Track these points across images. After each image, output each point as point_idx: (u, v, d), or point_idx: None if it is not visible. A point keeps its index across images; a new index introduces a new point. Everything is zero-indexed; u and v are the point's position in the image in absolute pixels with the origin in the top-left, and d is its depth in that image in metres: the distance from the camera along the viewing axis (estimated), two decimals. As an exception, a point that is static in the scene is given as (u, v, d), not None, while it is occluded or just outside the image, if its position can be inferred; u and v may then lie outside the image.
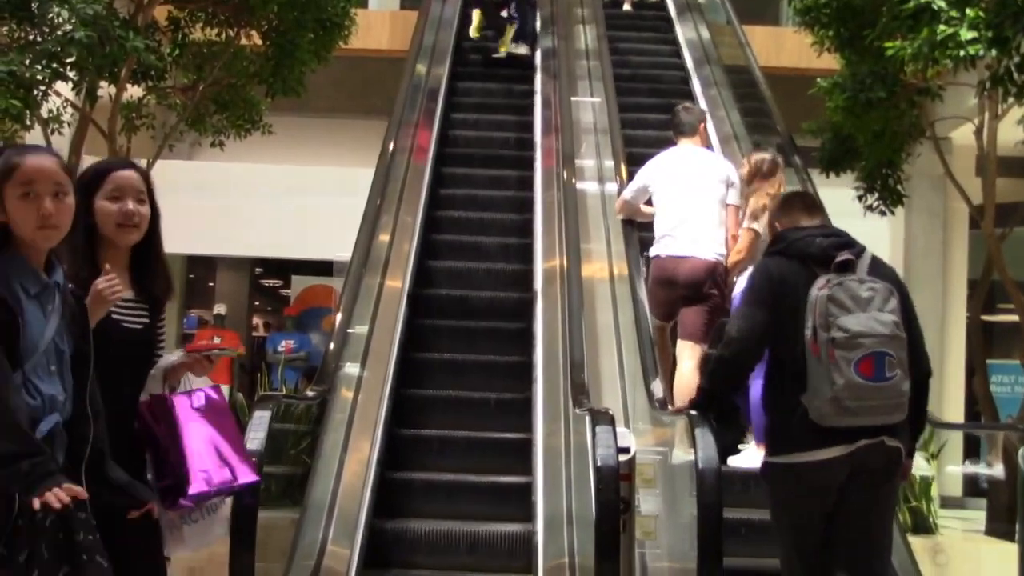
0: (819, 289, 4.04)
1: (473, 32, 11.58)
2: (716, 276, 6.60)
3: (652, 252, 6.86)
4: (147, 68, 8.41)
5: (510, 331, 7.68)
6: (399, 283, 7.66)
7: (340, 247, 8.04)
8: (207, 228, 13.43)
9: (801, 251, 4.20)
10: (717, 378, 4.42)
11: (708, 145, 7.51)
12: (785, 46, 13.26)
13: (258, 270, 19.74)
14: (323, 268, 14.51)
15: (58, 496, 2.68)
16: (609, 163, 8.54)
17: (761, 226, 6.34)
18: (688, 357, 6.48)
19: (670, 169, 6.95)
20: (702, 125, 7.21)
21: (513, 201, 9.11)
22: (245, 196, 13.44)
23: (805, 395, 4.02)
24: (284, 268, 18.34)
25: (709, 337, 6.48)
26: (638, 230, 7.33)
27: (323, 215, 12.75)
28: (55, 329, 2.94)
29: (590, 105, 9.64)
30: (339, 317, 6.59)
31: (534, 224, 8.47)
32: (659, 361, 6.21)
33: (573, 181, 7.91)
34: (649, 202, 7.09)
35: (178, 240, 13.64)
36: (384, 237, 7.79)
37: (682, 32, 11.80)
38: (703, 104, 9.87)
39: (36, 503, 2.66)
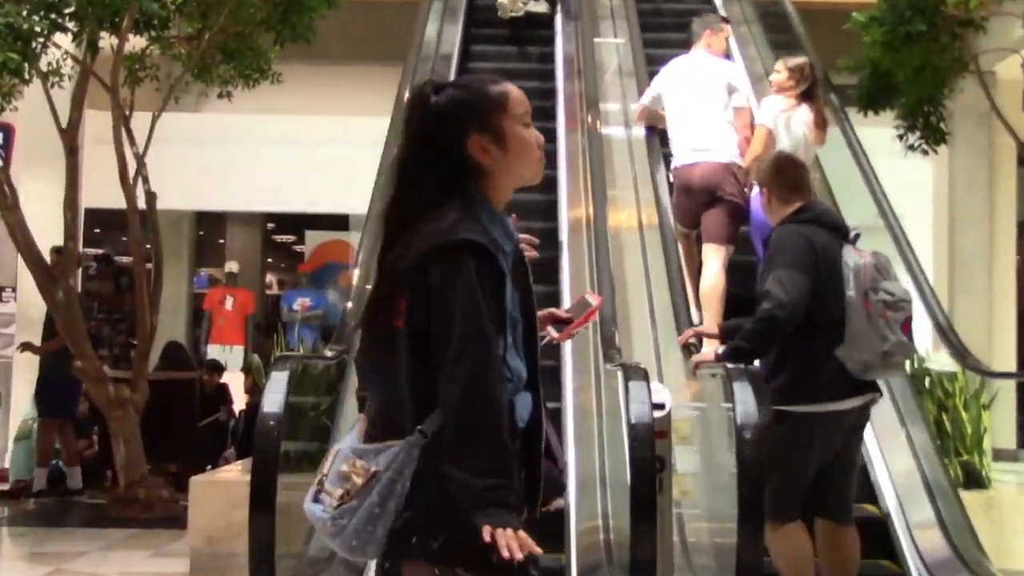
0: (860, 256, 4.85)
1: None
2: (730, 178, 6.89)
3: (672, 164, 7.26)
4: (150, 17, 8.36)
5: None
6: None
7: (356, 200, 8.02)
8: (216, 182, 13.45)
9: (832, 222, 5.04)
10: (763, 338, 4.82)
11: (725, 53, 7.77)
12: (819, -23, 13.09)
13: (270, 225, 19.77)
14: (338, 222, 14.55)
15: (512, 545, 2.33)
16: (635, 107, 8.47)
17: (774, 122, 6.84)
18: (713, 259, 6.77)
19: (676, 77, 7.36)
20: (707, 31, 7.49)
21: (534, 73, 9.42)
22: (255, 149, 13.43)
23: (841, 349, 4.75)
24: (297, 223, 18.34)
25: (734, 238, 6.89)
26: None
27: (337, 167, 12.74)
28: (510, 293, 2.61)
29: (614, 46, 9.57)
30: (356, 273, 6.58)
31: (558, 174, 8.44)
32: (686, 268, 6.84)
33: (598, 126, 7.85)
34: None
35: (186, 195, 13.78)
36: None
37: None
38: (733, 44, 9.78)
39: (487, 531, 2.36)
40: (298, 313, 14.85)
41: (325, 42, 9.74)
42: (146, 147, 8.93)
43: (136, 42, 9.11)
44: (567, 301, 7.08)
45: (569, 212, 7.87)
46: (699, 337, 5.78)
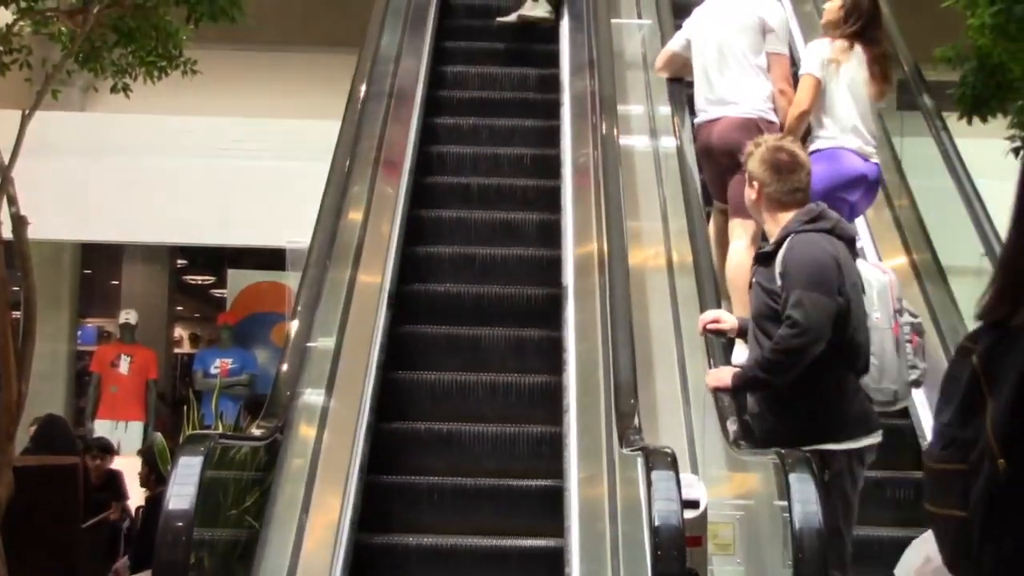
0: (883, 273, 5.55)
1: None
2: (756, 135, 6.76)
3: (694, 122, 7.74)
4: (21, -17, 8.45)
5: (532, 340, 7.75)
6: (377, 278, 7.70)
7: (294, 229, 8.05)
8: (109, 205, 13.49)
9: (849, 234, 5.52)
10: (783, 370, 5.27)
11: None
12: (909, -59, 13.24)
13: (181, 262, 19.84)
14: (271, 258, 14.54)
15: None
16: (664, 110, 8.56)
17: (822, 70, 7.29)
18: (739, 235, 7.05)
19: (701, 20, 7.82)
20: None
21: (535, 163, 9.17)
22: (161, 160, 13.48)
23: (869, 379, 5.35)
24: (217, 259, 18.42)
25: None
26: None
27: (270, 185, 12.80)
28: None
29: (637, 30, 9.67)
30: (294, 326, 6.62)
31: (562, 193, 8.49)
32: (716, 255, 7.25)
33: (615, 135, 7.93)
34: None
35: (69, 222, 13.80)
36: (355, 215, 7.83)
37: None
38: (796, 29, 9.89)
39: None
40: (216, 378, 14.87)
41: (257, 20, 9.81)
42: (13, 156, 8.97)
43: (0, 16, 9.18)
44: (571, 361, 7.13)
45: (576, 247, 7.92)
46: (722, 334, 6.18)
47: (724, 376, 5.72)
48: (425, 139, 9.29)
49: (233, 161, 13.32)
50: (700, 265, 6.76)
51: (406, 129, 9.02)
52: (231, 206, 13.29)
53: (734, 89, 7.44)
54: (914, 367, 5.48)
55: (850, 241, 5.54)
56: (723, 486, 5.89)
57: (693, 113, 7.81)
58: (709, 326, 6.13)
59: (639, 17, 9.82)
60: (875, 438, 5.38)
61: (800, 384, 5.26)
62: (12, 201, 9.02)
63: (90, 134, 13.62)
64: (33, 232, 9.24)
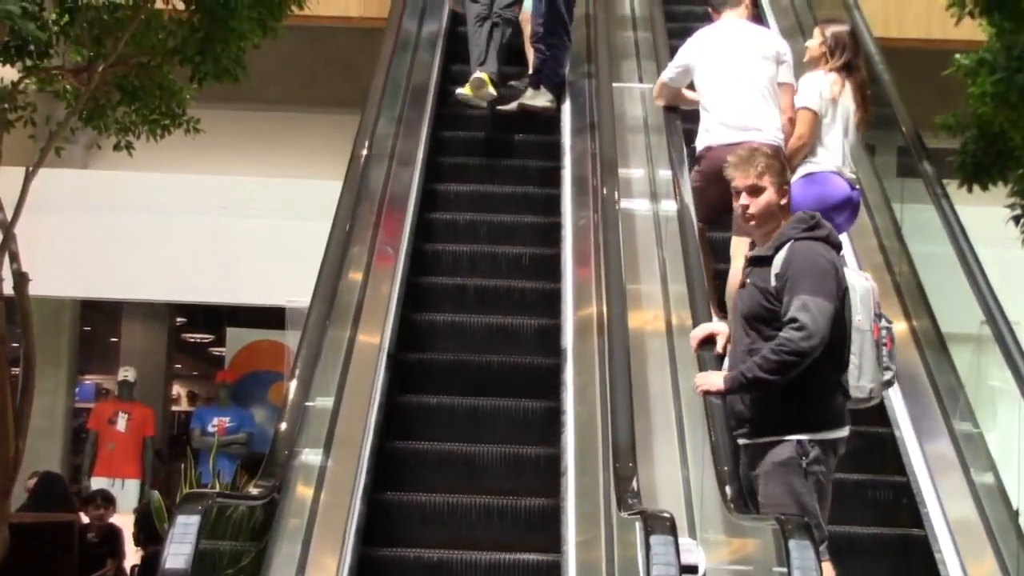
0: (866, 279, 5.97)
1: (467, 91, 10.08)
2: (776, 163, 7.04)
3: (700, 144, 8.03)
4: (25, 41, 8.46)
5: (532, 410, 7.74)
6: (376, 339, 7.69)
7: (294, 289, 8.06)
8: (110, 263, 13.50)
9: (836, 241, 5.94)
10: (788, 370, 5.60)
11: (756, 19, 8.55)
12: (910, 9, 13.32)
13: (180, 320, 19.84)
14: (270, 318, 14.56)
15: None
16: (665, 173, 8.58)
17: (819, 104, 7.73)
18: (743, 255, 6.98)
19: (713, 47, 8.20)
20: None
21: (535, 230, 9.21)
22: (163, 219, 13.50)
23: (849, 376, 5.72)
24: (216, 318, 18.42)
25: None
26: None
27: (271, 245, 12.82)
28: None
29: (638, 93, 9.70)
30: (293, 385, 6.60)
31: (563, 257, 8.50)
32: (703, 268, 7.45)
33: (616, 198, 7.94)
34: (691, 87, 8.37)
35: (69, 278, 13.80)
36: (355, 275, 7.83)
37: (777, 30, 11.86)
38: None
39: None
40: (214, 437, 14.85)
41: (259, 80, 9.86)
42: (16, 213, 8.99)
43: (4, 73, 9.21)
44: (570, 424, 7.11)
45: (576, 311, 7.92)
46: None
47: (714, 380, 5.95)
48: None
49: (234, 220, 13.35)
50: (704, 359, 6.72)
51: (406, 188, 9.06)
52: (231, 265, 13.31)
53: (756, 116, 7.81)
54: (888, 368, 5.89)
55: (838, 248, 5.95)
56: (721, 551, 5.86)
57: (704, 220, 7.96)
58: (703, 339, 6.43)
59: (640, 81, 9.84)
60: (847, 431, 5.81)
61: (797, 382, 5.62)
62: (14, 258, 9.03)
63: (92, 191, 13.66)
64: (34, 288, 9.25)
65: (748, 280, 5.94)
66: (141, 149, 9.84)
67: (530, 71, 10.16)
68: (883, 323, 5.95)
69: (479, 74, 9.77)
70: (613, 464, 6.01)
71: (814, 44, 8.07)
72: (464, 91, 9.77)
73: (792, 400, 5.67)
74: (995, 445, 7.14)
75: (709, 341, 6.44)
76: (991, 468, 7.03)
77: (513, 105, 10.01)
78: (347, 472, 6.84)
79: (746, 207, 5.99)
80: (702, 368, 6.32)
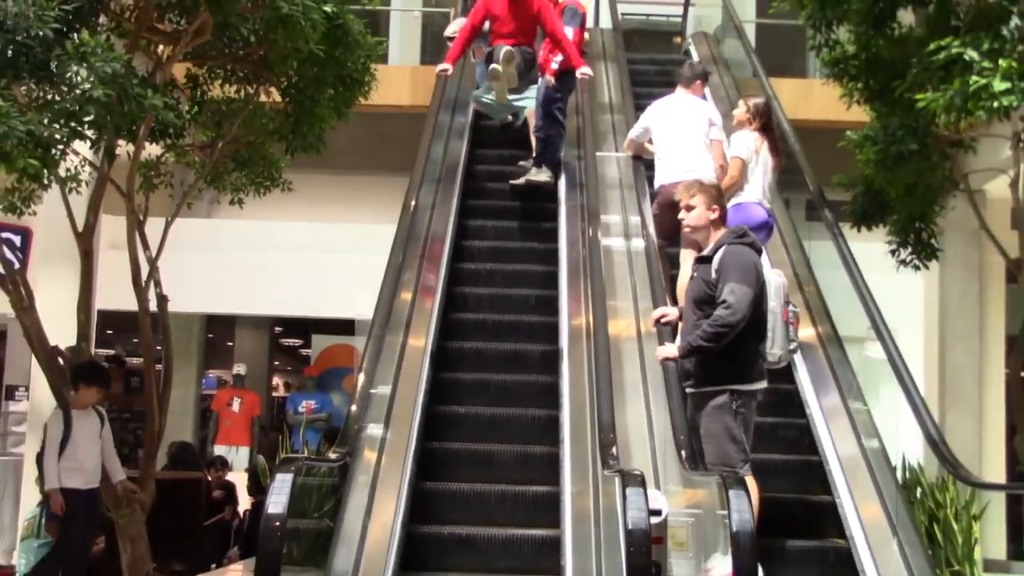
0: (779, 276, 6.45)
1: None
2: None
3: (656, 183, 8.29)
4: (165, 126, 8.46)
5: (537, 383, 7.71)
6: (422, 341, 7.66)
7: (361, 305, 8.04)
8: (226, 287, 13.51)
9: (758, 247, 6.24)
10: (721, 339, 5.86)
11: (702, 95, 8.79)
12: (814, 98, 13.29)
13: (278, 329, 19.83)
14: (344, 327, 14.56)
15: None
16: (635, 219, 8.56)
17: (747, 154, 7.98)
18: (689, 260, 7.21)
19: (666, 113, 8.49)
20: (699, 81, 8.73)
21: (540, 254, 9.22)
22: (264, 254, 13.52)
23: (764, 345, 6.15)
24: (304, 327, 18.41)
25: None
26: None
27: (344, 273, 12.80)
28: None
29: (614, 159, 9.67)
30: (361, 377, 6.58)
31: (559, 277, 8.49)
32: (662, 274, 7.77)
33: (599, 237, 7.92)
34: (651, 141, 8.62)
35: (197, 299, 13.78)
36: (406, 295, 7.80)
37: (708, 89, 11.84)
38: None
39: None
40: (303, 415, 14.82)
41: (334, 152, 9.83)
42: (159, 251, 8.98)
43: (152, 150, 9.21)
44: (565, 403, 7.07)
45: (570, 321, 7.89)
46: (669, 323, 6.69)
47: (670, 349, 6.25)
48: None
49: (316, 254, 13.36)
50: (662, 333, 6.70)
51: (444, 230, 9.03)
52: (316, 287, 13.31)
53: (695, 162, 8.04)
54: (793, 340, 6.51)
55: (759, 251, 6.24)
56: (679, 498, 5.84)
57: (663, 246, 8.21)
58: (662, 320, 6.71)
59: (616, 150, 9.82)
60: (764, 384, 6.07)
61: (723, 347, 5.89)
62: (157, 284, 9.03)
63: (213, 235, 13.68)
64: (172, 306, 9.24)
65: (695, 274, 6.26)
66: (249, 203, 9.82)
67: (534, 154, 9.98)
68: (791, 308, 6.48)
69: (504, 49, 9.64)
70: (598, 434, 5.99)
71: (740, 112, 8.25)
72: (496, 66, 9.61)
73: (726, 361, 5.94)
74: (877, 415, 7.11)
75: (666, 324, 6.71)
76: (873, 429, 6.98)
77: (522, 180, 9.87)
78: (402, 438, 6.80)
79: (683, 219, 6.38)
80: (660, 340, 6.59)
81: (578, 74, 9.71)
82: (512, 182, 9.95)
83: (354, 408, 6.34)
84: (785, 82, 13.35)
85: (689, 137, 8.25)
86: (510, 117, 10.55)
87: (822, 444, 7.18)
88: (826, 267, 8.40)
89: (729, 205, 7.44)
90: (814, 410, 7.46)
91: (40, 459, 8.73)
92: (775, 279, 6.34)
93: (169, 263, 9.13)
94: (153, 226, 8.99)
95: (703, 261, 6.20)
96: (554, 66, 9.68)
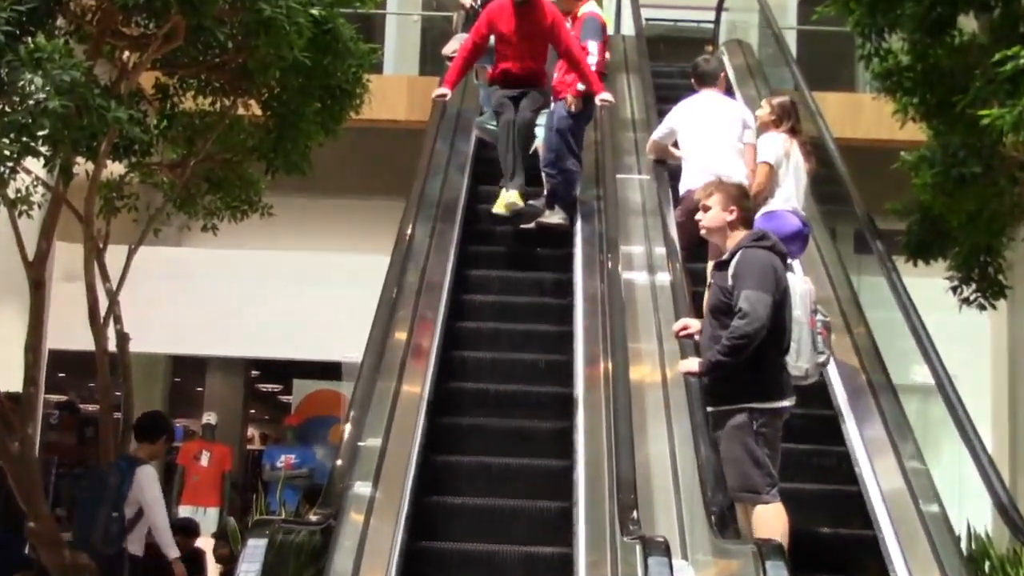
0: (805, 282, 6.62)
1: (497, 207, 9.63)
2: None
3: (682, 187, 8.56)
4: (130, 142, 8.47)
5: (546, 470, 7.67)
6: (418, 388, 7.63)
7: (350, 346, 8.02)
8: (196, 324, 13.51)
9: (781, 251, 6.33)
10: (739, 352, 5.95)
11: (728, 91, 9.06)
12: (863, 115, 13.32)
13: (254, 373, 19.80)
14: (330, 371, 14.54)
15: None
16: (660, 250, 8.55)
17: (775, 159, 8.17)
18: None
19: (694, 114, 8.79)
20: (722, 74, 9.19)
21: (552, 311, 9.10)
22: (241, 287, 13.52)
23: (789, 358, 6.21)
24: (285, 371, 18.37)
25: None
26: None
27: (330, 309, 12.79)
28: None
29: (637, 183, 9.68)
30: (348, 428, 6.55)
31: (574, 320, 8.47)
32: (686, 290, 7.76)
33: (619, 271, 7.91)
34: (676, 145, 8.92)
35: (163, 338, 13.78)
36: (401, 334, 7.79)
37: (742, 99, 11.87)
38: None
39: None
40: (281, 471, 14.77)
41: (321, 173, 9.84)
42: (120, 283, 9.00)
43: (114, 168, 9.24)
44: (580, 463, 7.04)
45: (585, 366, 7.87)
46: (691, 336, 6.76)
47: (692, 364, 6.38)
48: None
49: (300, 287, 13.35)
50: (684, 346, 6.72)
51: (444, 261, 9.00)
52: (297, 325, 13.30)
53: (727, 166, 8.17)
54: (822, 352, 6.45)
55: (783, 256, 6.34)
56: (708, 571, 5.79)
57: (684, 256, 8.24)
58: (681, 333, 6.82)
59: (639, 173, 9.83)
60: (790, 402, 6.15)
61: (742, 360, 5.97)
62: (118, 319, 9.05)
63: (183, 265, 13.68)
64: (134, 346, 9.25)
65: (712, 281, 6.44)
66: (224, 230, 9.85)
67: (545, 192, 9.84)
68: (819, 317, 6.51)
69: (511, 196, 9.41)
70: (617, 495, 5.95)
71: (763, 113, 8.51)
72: (499, 209, 9.49)
73: (745, 376, 6.02)
74: (938, 475, 7.06)
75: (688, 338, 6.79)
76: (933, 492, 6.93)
77: (532, 224, 9.72)
78: (393, 500, 6.76)
79: (699, 220, 6.54)
80: (683, 354, 6.75)
81: (597, 101, 9.54)
82: (522, 226, 9.78)
83: (339, 463, 6.32)
84: (831, 96, 13.38)
85: (720, 139, 8.56)
86: None
87: (875, 513, 7.13)
88: (878, 307, 8.38)
89: (759, 215, 7.62)
90: (866, 474, 7.41)
91: None
92: (800, 285, 6.45)
93: (132, 297, 9.15)
94: (114, 255, 9.02)
95: (720, 267, 6.34)
96: (580, 87, 9.48)
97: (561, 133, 9.53)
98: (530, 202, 9.88)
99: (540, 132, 9.94)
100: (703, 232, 6.57)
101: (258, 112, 9.22)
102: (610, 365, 7.14)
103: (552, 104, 9.75)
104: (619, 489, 5.93)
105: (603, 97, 9.51)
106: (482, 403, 8.14)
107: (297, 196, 11.83)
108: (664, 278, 8.26)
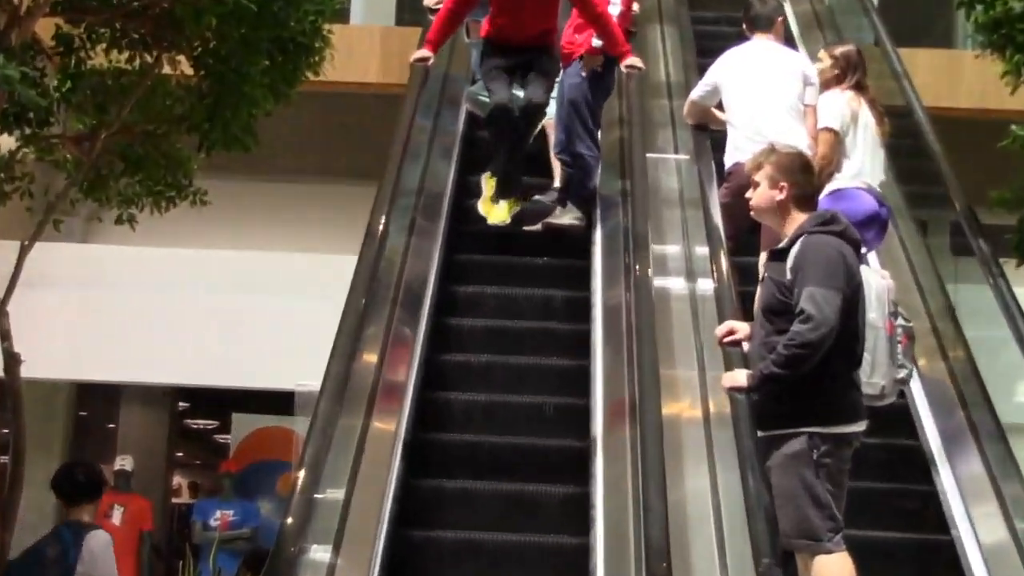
0: (883, 278, 6.72)
1: (488, 212, 9.71)
2: None
3: (728, 160, 8.63)
4: (23, 108, 8.49)
5: (556, 498, 7.67)
6: (391, 425, 7.64)
7: (304, 372, 8.03)
8: (108, 344, 13.48)
9: (855, 238, 6.28)
10: (799, 363, 5.94)
11: (786, 41, 9.25)
12: (963, 77, 13.33)
13: (183, 405, 19.80)
14: (279, 403, 14.52)
15: None
16: (702, 250, 8.55)
17: (840, 123, 8.27)
18: None
19: (743, 66, 8.85)
20: (780, 19, 9.15)
21: (561, 339, 9.09)
22: (166, 296, 13.50)
23: (861, 372, 6.25)
24: (221, 403, 18.35)
25: None
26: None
27: (280, 324, 12.79)
28: None
29: (673, 164, 9.68)
30: (301, 476, 6.56)
31: (592, 338, 8.47)
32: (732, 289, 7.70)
33: (649, 275, 7.90)
34: (720, 106, 8.99)
35: (65, 360, 13.77)
36: (370, 357, 7.79)
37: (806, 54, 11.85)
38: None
39: None
40: (216, 532, 14.76)
41: (269, 150, 9.86)
42: (9, 289, 8.99)
43: (4, 142, 9.24)
44: (599, 518, 7.04)
45: (606, 396, 7.87)
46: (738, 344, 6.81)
47: (739, 378, 6.34)
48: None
49: (243, 297, 13.31)
50: (739, 417, 6.67)
51: (426, 262, 9.00)
52: (239, 346, 13.26)
53: (783, 131, 8.10)
54: (902, 366, 6.57)
55: (856, 245, 6.30)
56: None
57: (731, 248, 8.27)
58: (726, 339, 6.80)
59: (676, 151, 9.82)
60: (861, 426, 6.13)
61: (803, 374, 5.97)
62: (5, 336, 9.03)
63: (91, 267, 13.66)
64: (26, 370, 9.23)
65: (766, 274, 6.44)
66: (144, 222, 9.85)
67: (555, 183, 9.90)
68: (899, 321, 6.61)
69: (500, 211, 9.50)
70: (646, 561, 5.96)
71: (823, 66, 8.60)
72: (486, 214, 9.55)
73: (803, 393, 6.01)
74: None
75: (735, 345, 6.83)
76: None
77: (538, 225, 9.69)
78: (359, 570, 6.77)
79: (749, 199, 6.56)
80: (727, 365, 6.73)
81: (623, 67, 9.43)
82: (525, 227, 9.77)
83: (290, 520, 6.32)
84: (921, 54, 13.41)
85: (775, 98, 8.56)
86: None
87: (971, 570, 7.24)
88: (979, 320, 8.39)
89: (823, 194, 7.68)
90: (960, 521, 7.54)
91: None
92: (876, 281, 6.55)
93: (24, 307, 9.14)
94: (3, 252, 9.01)
95: (776, 257, 6.35)
96: (596, 43, 9.41)
97: (575, 106, 9.48)
98: (535, 197, 9.92)
99: (551, 107, 9.88)
100: (752, 214, 6.64)
101: (189, 71, 9.23)
102: (636, 404, 7.11)
103: (562, 71, 9.70)
104: (648, 553, 5.93)
105: (630, 63, 9.36)
106: (472, 460, 8.11)
107: (239, 180, 11.89)
108: (707, 286, 8.24)
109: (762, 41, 9.00)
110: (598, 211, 9.72)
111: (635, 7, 10.31)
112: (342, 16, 11.13)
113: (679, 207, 9.31)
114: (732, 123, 8.73)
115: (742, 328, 6.75)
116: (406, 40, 12.05)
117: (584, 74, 9.49)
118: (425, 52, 9.50)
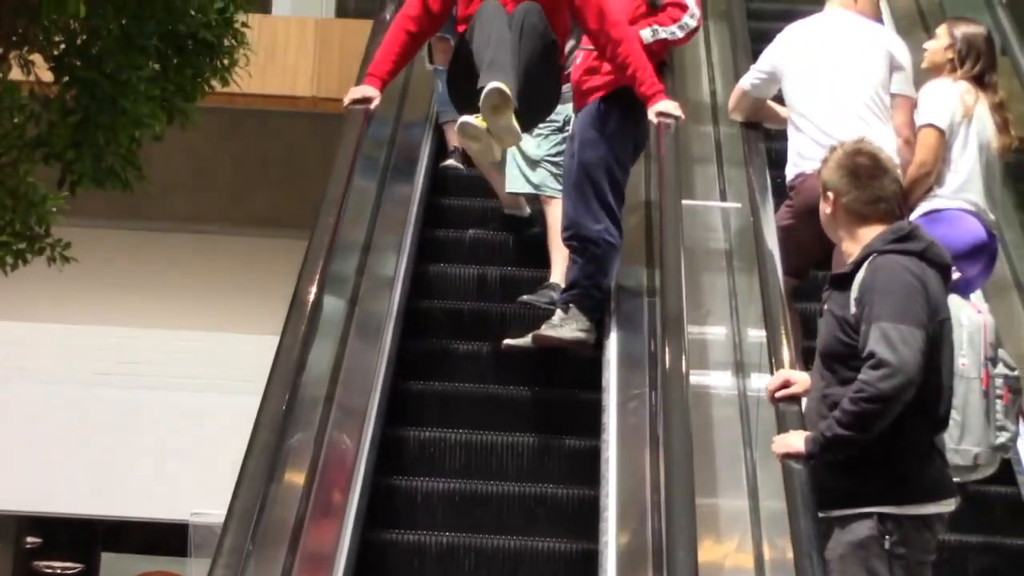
0: (978, 312, 6.88)
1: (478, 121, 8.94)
2: None
3: (790, 172, 8.79)
4: None
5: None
6: (325, 572, 7.70)
7: (202, 496, 8.09)
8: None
9: (941, 259, 6.31)
10: (870, 422, 5.97)
11: (875, 16, 9.39)
12: None
13: (31, 542, 19.85)
14: (164, 537, 14.59)
15: None
16: (757, 333, 8.62)
17: (948, 121, 8.37)
18: None
19: (810, 46, 8.95)
20: None
21: (557, 509, 9.04)
22: (11, 393, 13.56)
23: (948, 437, 6.37)
24: (86, 538, 18.43)
25: None
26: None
27: (169, 434, 12.85)
28: None
29: (719, 214, 9.74)
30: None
31: (603, 457, 8.56)
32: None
33: (682, 369, 7.97)
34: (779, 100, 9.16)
35: None
36: (296, 477, 7.85)
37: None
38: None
39: None
40: None
41: (160, 187, 9.92)
42: None
43: None
44: None
45: (621, 535, 7.96)
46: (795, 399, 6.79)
47: (794, 441, 6.29)
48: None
49: (117, 393, 13.37)
50: (784, 415, 6.77)
51: (373, 346, 9.06)
52: (112, 462, 13.32)
53: (862, 129, 8.05)
54: (1003, 428, 6.71)
55: (944, 269, 6.32)
56: None
57: (793, 288, 8.53)
58: (779, 394, 6.74)
59: (723, 199, 9.81)
60: (948, 506, 6.19)
61: (874, 436, 6.00)
62: None
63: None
64: None
65: (826, 307, 6.45)
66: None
67: (552, 278, 9.97)
68: (999, 369, 6.74)
69: (494, 84, 8.48)
70: None
71: (937, 46, 8.71)
72: (474, 120, 8.68)
73: (871, 462, 6.08)
74: None
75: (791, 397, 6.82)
76: None
77: (527, 338, 9.41)
78: None
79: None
80: (781, 426, 6.69)
81: (651, 115, 8.97)
82: (507, 342, 9.61)
83: None
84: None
85: (851, 88, 8.68)
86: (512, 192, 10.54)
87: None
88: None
89: (916, 215, 7.84)
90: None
91: None
92: (970, 316, 6.72)
93: None
94: None
95: (838, 284, 6.41)
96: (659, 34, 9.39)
97: (588, 170, 9.21)
98: (523, 297, 10.02)
99: (546, 179, 10.14)
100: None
101: (47, 77, 9.30)
102: (663, 527, 7.18)
103: (572, 119, 9.66)
104: None
105: (662, 108, 8.93)
106: None
107: (115, 228, 11.94)
108: (760, 384, 8.30)
109: (839, 11, 9.09)
110: (614, 319, 9.56)
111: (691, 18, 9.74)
112: (262, 4, 11.22)
113: (726, 273, 9.33)
114: (795, 123, 8.84)
115: (800, 379, 6.76)
116: (350, 37, 12.13)
117: (602, 111, 9.19)
118: (367, 89, 9.05)
